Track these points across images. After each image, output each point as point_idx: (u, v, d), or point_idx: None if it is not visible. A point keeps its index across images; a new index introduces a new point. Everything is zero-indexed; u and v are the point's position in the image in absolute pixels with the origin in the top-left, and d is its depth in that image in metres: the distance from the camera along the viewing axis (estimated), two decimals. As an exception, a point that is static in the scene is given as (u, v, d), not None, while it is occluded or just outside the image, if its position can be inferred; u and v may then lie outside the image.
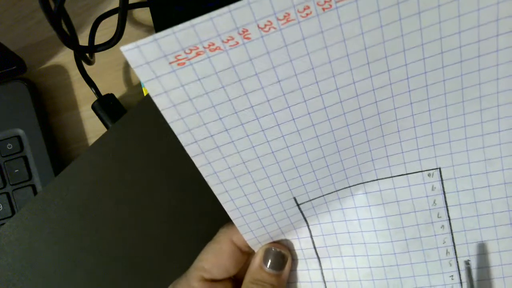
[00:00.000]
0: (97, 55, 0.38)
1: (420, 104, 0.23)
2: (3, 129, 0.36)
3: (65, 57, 0.40)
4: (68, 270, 0.30)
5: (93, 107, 0.36)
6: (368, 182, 0.25)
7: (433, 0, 0.20)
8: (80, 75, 0.36)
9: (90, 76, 0.37)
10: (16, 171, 0.36)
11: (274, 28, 0.19)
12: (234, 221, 0.25)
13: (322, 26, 0.20)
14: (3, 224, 0.33)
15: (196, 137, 0.22)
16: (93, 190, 0.31)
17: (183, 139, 0.22)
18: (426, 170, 0.25)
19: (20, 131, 0.36)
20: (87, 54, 0.36)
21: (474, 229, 0.25)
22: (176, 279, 0.27)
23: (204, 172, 0.23)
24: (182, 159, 0.31)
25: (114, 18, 0.35)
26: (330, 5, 0.19)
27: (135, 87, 0.39)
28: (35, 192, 0.36)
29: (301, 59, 0.20)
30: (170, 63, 0.20)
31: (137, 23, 0.39)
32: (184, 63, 0.20)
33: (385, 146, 0.24)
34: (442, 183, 0.25)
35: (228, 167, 0.23)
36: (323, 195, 0.25)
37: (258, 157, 0.23)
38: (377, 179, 0.25)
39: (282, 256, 0.26)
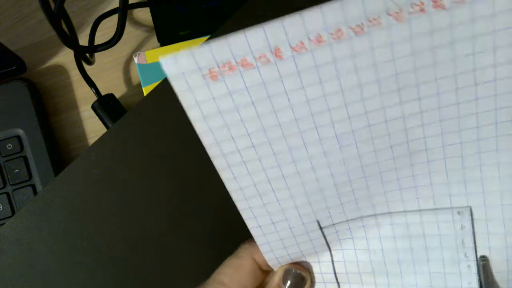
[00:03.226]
0: (97, 55, 0.38)
1: (451, 136, 0.22)
2: (3, 129, 0.36)
3: (65, 57, 0.40)
4: (68, 270, 0.30)
5: (93, 107, 0.36)
6: (395, 213, 0.25)
7: (467, 31, 0.20)
8: (80, 75, 0.36)
9: (90, 76, 0.37)
10: (16, 171, 0.36)
11: (306, 49, 0.20)
12: (255, 239, 0.25)
13: (353, 50, 0.20)
14: (3, 224, 0.33)
15: (224, 151, 0.22)
16: (93, 190, 0.31)
17: (211, 151, 0.22)
18: (456, 208, 0.24)
19: (20, 131, 0.36)
20: (87, 54, 0.36)
21: (502, 271, 0.24)
22: None
23: (230, 186, 0.24)
24: (182, 159, 0.31)
25: (114, 18, 0.35)
26: (363, 30, 0.19)
27: (135, 87, 0.39)
28: (35, 192, 0.36)
29: (331, 81, 0.21)
30: (204, 76, 0.20)
31: (137, 23, 0.39)
32: (217, 77, 0.20)
33: (413, 175, 0.24)
34: (473, 223, 0.24)
35: (253, 183, 0.23)
36: (347, 221, 0.25)
37: (283, 176, 0.23)
38: (404, 211, 0.24)
39: (302, 278, 0.26)
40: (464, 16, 0.19)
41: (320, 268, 0.27)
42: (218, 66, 0.20)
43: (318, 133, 0.22)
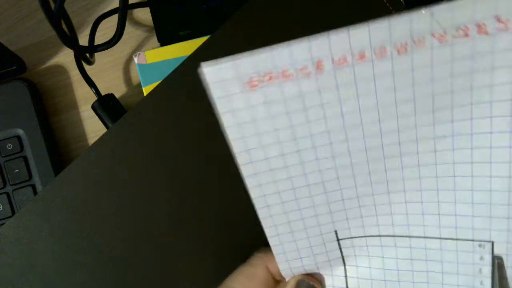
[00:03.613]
0: (97, 55, 0.38)
1: (480, 165, 0.22)
2: (3, 129, 0.36)
3: (65, 57, 0.40)
4: (68, 270, 0.30)
5: (93, 107, 0.36)
6: (414, 237, 0.24)
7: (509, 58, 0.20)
8: (80, 75, 0.36)
9: (90, 76, 0.37)
10: (16, 171, 0.36)
11: (347, 63, 0.20)
12: (272, 248, 0.25)
13: (394, 68, 0.20)
14: (3, 224, 0.33)
15: (253, 158, 0.23)
16: (93, 190, 0.31)
17: (240, 158, 0.23)
18: (477, 241, 0.23)
19: (20, 131, 0.36)
20: (87, 54, 0.36)
21: None
22: None
23: (254, 194, 0.24)
24: (182, 159, 0.31)
25: (114, 18, 0.35)
26: (406, 49, 0.20)
27: (135, 87, 0.39)
28: (35, 192, 0.36)
29: (368, 97, 0.21)
30: (244, 84, 0.21)
31: (137, 23, 0.39)
32: (256, 86, 0.21)
33: (438, 202, 0.23)
34: (493, 257, 0.24)
35: (278, 191, 0.24)
36: (365, 237, 0.25)
37: (308, 185, 0.23)
38: (424, 237, 0.24)
39: (311, 287, 0.26)
40: (507, 43, 0.19)
41: (333, 282, 0.26)
42: (259, 76, 0.20)
43: (348, 146, 0.22)
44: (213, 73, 0.20)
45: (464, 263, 0.24)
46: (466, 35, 0.19)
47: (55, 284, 0.30)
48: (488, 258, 0.24)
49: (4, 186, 0.36)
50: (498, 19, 0.19)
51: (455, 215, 0.23)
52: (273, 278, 0.26)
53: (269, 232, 0.25)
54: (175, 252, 0.30)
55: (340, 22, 0.28)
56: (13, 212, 0.36)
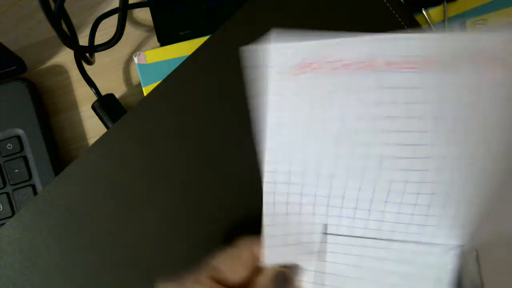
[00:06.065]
0: (97, 55, 0.38)
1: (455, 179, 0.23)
2: (3, 129, 0.36)
3: (65, 57, 0.40)
4: (68, 270, 0.30)
5: (93, 107, 0.36)
6: (394, 240, 0.25)
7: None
8: (80, 75, 0.36)
9: (90, 76, 0.37)
10: (16, 171, 0.36)
11: (372, 69, 0.22)
12: (264, 228, 0.25)
13: (412, 82, 0.21)
14: (3, 224, 0.33)
15: (278, 134, 0.24)
16: (93, 190, 0.31)
17: (268, 135, 0.25)
18: (445, 244, 0.24)
19: (20, 131, 0.36)
20: (87, 54, 0.36)
21: None
22: None
23: (267, 167, 0.25)
24: (182, 159, 0.31)
25: (114, 18, 0.35)
26: (415, 67, 0.21)
27: (135, 87, 0.39)
28: (35, 192, 0.36)
29: (385, 106, 0.22)
30: (292, 69, 0.23)
31: (137, 23, 0.39)
32: (299, 74, 0.23)
33: (427, 215, 0.24)
34: (463, 258, 0.24)
35: (289, 171, 0.25)
36: (350, 236, 0.26)
37: (317, 175, 0.25)
38: (404, 241, 0.25)
39: (291, 282, 0.26)
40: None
41: (309, 277, 0.27)
42: (304, 64, 0.22)
43: (359, 150, 0.24)
44: (273, 55, 0.22)
45: (434, 265, 0.25)
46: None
47: (56, 284, 0.30)
48: (452, 263, 0.24)
49: (4, 186, 0.36)
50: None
51: (435, 225, 0.24)
52: (257, 262, 0.26)
53: (266, 209, 0.25)
54: (175, 252, 0.30)
55: (340, 23, 0.28)
56: (13, 212, 0.36)
